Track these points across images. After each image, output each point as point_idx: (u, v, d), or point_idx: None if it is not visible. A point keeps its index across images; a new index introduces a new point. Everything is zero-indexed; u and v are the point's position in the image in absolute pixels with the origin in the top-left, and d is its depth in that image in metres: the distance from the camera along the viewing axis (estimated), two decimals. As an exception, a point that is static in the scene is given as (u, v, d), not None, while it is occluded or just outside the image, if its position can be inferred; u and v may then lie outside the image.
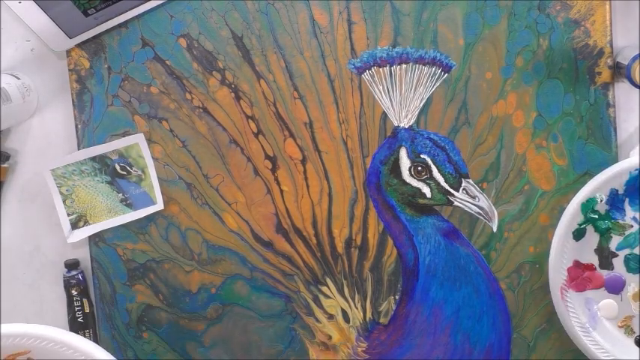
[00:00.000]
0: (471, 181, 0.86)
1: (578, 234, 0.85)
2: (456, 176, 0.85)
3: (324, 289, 0.89)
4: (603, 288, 0.86)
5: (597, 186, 0.84)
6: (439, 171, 0.85)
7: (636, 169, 0.83)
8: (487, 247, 0.88)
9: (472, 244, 0.87)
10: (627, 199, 0.84)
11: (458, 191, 0.85)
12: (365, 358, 0.89)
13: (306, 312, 0.89)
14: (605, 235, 0.85)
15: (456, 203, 0.86)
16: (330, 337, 0.90)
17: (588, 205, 0.84)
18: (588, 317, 0.86)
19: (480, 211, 0.85)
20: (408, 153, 0.86)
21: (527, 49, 0.85)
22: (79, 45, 0.86)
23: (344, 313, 0.89)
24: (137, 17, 0.85)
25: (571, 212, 0.84)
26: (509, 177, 0.87)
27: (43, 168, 0.86)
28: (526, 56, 0.85)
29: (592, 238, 0.86)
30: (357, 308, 0.89)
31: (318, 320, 0.90)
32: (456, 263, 0.87)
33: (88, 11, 0.83)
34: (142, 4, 0.84)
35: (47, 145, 0.89)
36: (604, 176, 0.83)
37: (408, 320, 0.88)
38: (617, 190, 0.84)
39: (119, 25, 0.85)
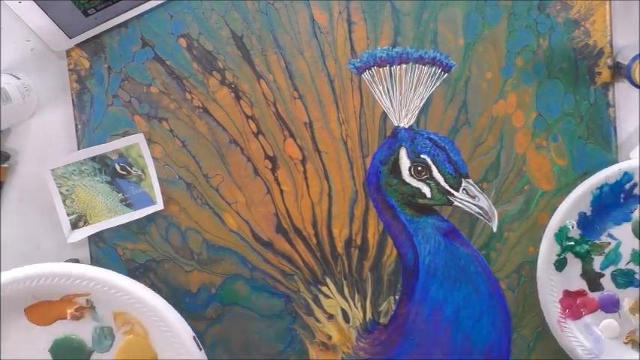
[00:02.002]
0: (470, 181, 0.86)
1: (560, 264, 0.85)
2: (456, 176, 0.85)
3: (324, 289, 0.89)
4: (599, 310, 0.86)
5: (565, 213, 0.84)
6: (439, 171, 0.85)
7: (597, 188, 0.83)
8: (487, 247, 0.88)
9: (472, 244, 0.87)
10: (597, 219, 0.85)
11: (458, 191, 0.85)
12: (365, 358, 0.89)
13: (306, 312, 0.89)
14: (586, 258, 0.85)
15: (456, 203, 0.86)
16: (330, 337, 0.90)
17: (562, 234, 0.84)
18: (592, 342, 0.86)
19: (480, 211, 0.85)
20: (408, 153, 0.86)
21: (527, 49, 0.85)
22: (79, 45, 0.86)
23: (344, 313, 0.89)
24: (137, 17, 0.85)
25: (547, 245, 0.84)
26: (509, 177, 0.87)
27: (43, 168, 0.86)
28: (526, 56, 0.85)
29: (575, 264, 0.86)
30: (357, 308, 0.89)
31: (318, 320, 0.90)
32: (455, 263, 0.87)
33: (88, 11, 0.83)
34: (141, 4, 0.84)
35: (47, 145, 0.89)
36: (568, 202, 0.83)
37: (408, 320, 0.88)
38: (585, 213, 0.84)
39: (119, 25, 0.85)
